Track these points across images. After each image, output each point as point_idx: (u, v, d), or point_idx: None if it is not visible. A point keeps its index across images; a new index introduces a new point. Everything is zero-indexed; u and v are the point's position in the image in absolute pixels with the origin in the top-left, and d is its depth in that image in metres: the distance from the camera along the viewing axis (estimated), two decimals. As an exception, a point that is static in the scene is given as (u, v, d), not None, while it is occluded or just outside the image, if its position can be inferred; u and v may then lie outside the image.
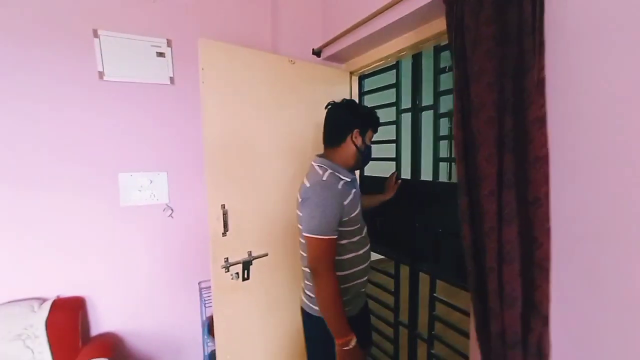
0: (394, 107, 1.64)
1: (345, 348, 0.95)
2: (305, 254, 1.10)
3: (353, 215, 1.05)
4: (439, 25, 1.27)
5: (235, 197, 1.41)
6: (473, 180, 0.83)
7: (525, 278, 0.71)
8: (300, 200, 1.07)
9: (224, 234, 1.38)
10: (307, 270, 1.10)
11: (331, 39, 1.66)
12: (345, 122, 1.11)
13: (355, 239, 1.09)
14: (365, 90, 1.90)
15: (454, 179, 1.50)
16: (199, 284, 1.74)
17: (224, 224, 1.37)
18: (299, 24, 1.73)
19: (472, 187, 0.83)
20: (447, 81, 1.47)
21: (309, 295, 1.14)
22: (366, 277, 1.18)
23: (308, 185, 1.04)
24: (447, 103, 1.48)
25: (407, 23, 1.35)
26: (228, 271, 1.41)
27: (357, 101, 1.88)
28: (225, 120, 1.37)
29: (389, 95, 1.78)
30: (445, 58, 1.52)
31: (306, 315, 1.16)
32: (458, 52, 0.91)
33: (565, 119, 0.76)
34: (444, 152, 1.56)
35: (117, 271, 1.55)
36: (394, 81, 1.64)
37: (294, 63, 1.58)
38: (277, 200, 1.56)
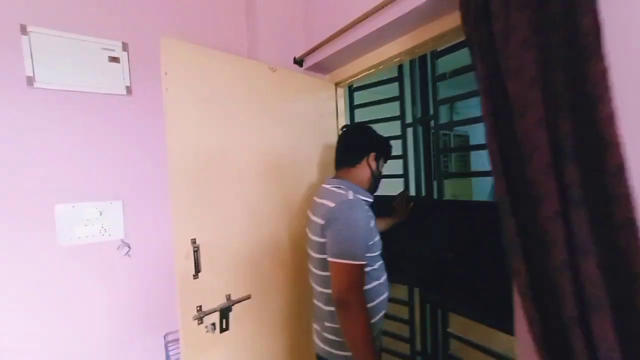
0: (390, 120, 1.51)
1: None
2: (320, 288, 1.02)
3: (376, 239, 0.99)
4: (438, 26, 1.15)
5: (209, 228, 1.15)
6: (524, 198, 0.65)
7: (627, 332, 0.53)
8: (322, 222, 0.96)
9: (195, 276, 1.10)
10: (326, 307, 1.00)
11: (315, 45, 1.50)
12: (362, 143, 1.09)
13: (376, 266, 1.01)
14: (361, 102, 1.73)
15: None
16: (164, 337, 1.41)
17: (195, 263, 1.10)
18: (278, 29, 1.56)
19: (522, 207, 0.66)
20: (443, 90, 1.36)
21: (330, 339, 0.99)
22: (385, 310, 1.06)
23: (332, 205, 0.94)
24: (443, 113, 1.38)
25: (400, 26, 1.22)
26: (202, 322, 1.12)
27: (344, 115, 1.74)
28: (195, 136, 1.13)
29: (379, 109, 1.65)
30: (443, 64, 1.42)
31: None
32: (481, 45, 0.76)
33: (633, 114, 0.62)
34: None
35: (51, 335, 1.20)
36: (387, 92, 1.51)
37: (274, 71, 1.40)
38: (260, 229, 1.31)
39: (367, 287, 0.96)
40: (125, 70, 1.32)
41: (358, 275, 0.88)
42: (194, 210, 1.12)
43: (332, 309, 0.96)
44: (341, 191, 0.98)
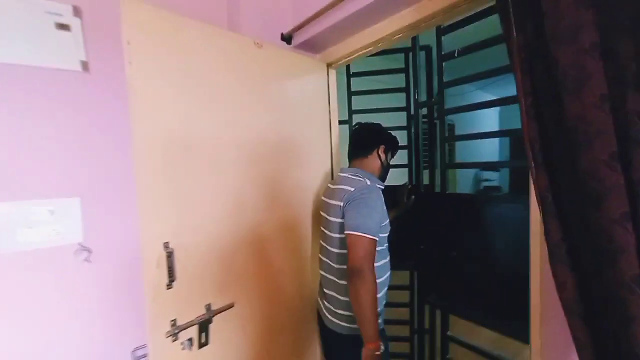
0: (395, 111, 1.38)
1: (377, 353, 0.92)
2: (338, 265, 1.10)
3: (387, 222, 1.09)
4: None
5: (185, 229, 0.98)
6: (575, 196, 0.53)
7: None
8: (341, 204, 1.05)
9: (168, 286, 0.94)
10: (340, 281, 1.09)
11: (305, 19, 1.33)
12: (373, 136, 1.21)
13: (384, 247, 1.11)
14: (360, 89, 1.60)
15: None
16: (132, 352, 1.23)
17: (168, 270, 0.93)
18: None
19: (572, 207, 0.54)
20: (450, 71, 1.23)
21: (346, 315, 1.07)
22: (388, 286, 1.15)
23: (352, 189, 1.05)
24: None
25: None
26: (177, 339, 0.96)
27: (336, 100, 1.59)
28: (167, 119, 0.95)
29: (378, 97, 1.52)
30: (449, 42, 1.28)
31: (346, 340, 1.06)
32: (520, 7, 0.62)
33: None
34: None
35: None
36: (384, 80, 1.38)
37: (261, 47, 1.22)
38: (244, 227, 1.15)
39: (378, 263, 1.03)
40: (79, 40, 1.10)
41: (372, 248, 0.97)
42: (166, 208, 0.94)
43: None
44: (359, 178, 1.09)
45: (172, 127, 0.96)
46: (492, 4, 1.03)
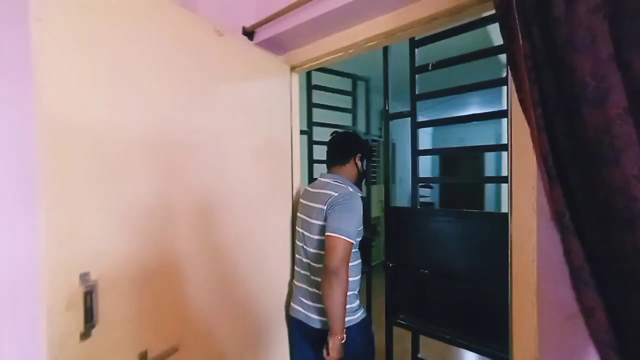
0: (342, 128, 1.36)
1: (342, 342, 1.02)
2: (319, 264, 1.13)
3: (362, 227, 1.14)
4: (431, 6, 0.99)
5: (115, 253, 0.74)
6: (600, 214, 0.50)
7: None
8: (324, 207, 1.11)
9: (84, 335, 0.68)
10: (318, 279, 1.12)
11: (270, 15, 1.20)
12: (351, 145, 1.27)
13: (357, 249, 1.17)
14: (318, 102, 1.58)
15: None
16: None
17: (86, 313, 0.67)
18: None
19: (596, 225, 0.51)
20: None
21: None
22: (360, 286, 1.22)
23: (336, 194, 1.10)
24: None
25: (382, 1, 1.03)
26: (93, 408, 0.69)
27: (298, 106, 1.48)
28: (90, 102, 0.72)
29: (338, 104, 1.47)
30: (422, 55, 1.28)
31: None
32: (524, 15, 0.60)
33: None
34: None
35: None
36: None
37: (222, 35, 1.04)
38: (192, 247, 0.94)
39: (353, 263, 1.12)
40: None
41: (349, 251, 1.04)
42: (86, 224, 0.69)
43: None
44: (341, 184, 1.16)
45: (97, 115, 0.72)
46: (471, 20, 1.05)
